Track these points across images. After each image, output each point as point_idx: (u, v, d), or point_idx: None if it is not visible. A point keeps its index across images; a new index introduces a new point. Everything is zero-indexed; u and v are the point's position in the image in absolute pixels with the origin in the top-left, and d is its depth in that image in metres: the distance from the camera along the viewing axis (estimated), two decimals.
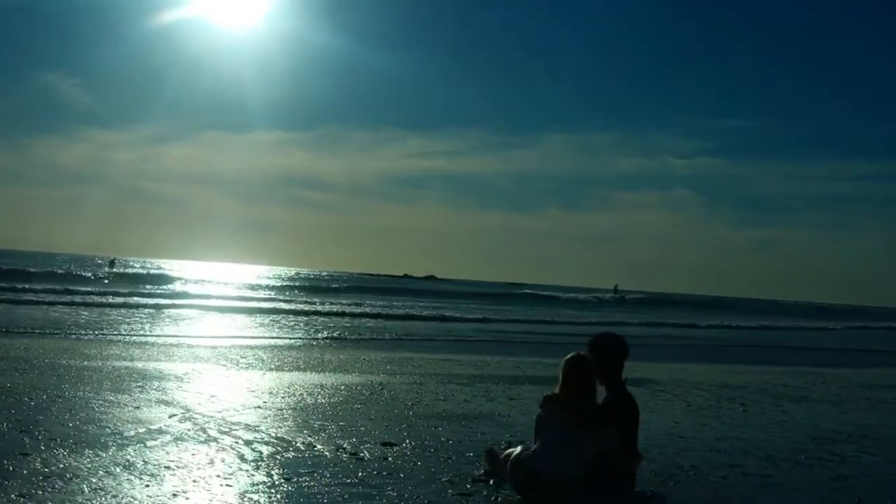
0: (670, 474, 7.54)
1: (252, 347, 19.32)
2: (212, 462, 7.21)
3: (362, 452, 7.91)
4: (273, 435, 8.54)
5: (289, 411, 10.11)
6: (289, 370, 14.53)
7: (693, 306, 75.81)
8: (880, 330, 54.00)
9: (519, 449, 6.77)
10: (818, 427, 10.84)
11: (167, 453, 7.47)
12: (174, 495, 6.11)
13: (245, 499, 6.12)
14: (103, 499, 5.95)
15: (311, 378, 13.52)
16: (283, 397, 11.23)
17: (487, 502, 6.42)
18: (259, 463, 7.26)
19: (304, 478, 6.80)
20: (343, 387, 12.65)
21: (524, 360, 19.60)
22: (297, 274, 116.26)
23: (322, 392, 11.91)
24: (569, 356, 6.72)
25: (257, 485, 6.52)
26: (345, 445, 8.18)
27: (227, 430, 8.69)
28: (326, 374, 14.28)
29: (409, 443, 8.50)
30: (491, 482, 6.91)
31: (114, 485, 6.31)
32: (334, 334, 25.36)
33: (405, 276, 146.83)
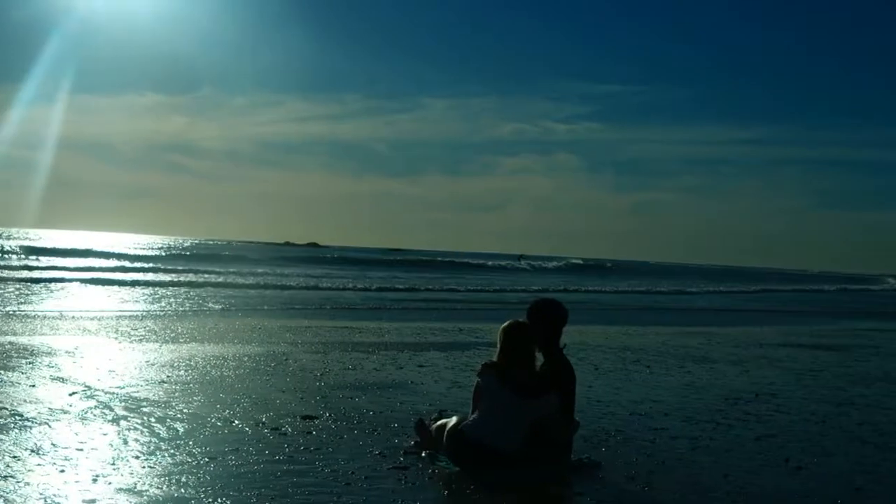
0: (600, 440, 7.48)
1: (140, 319, 18.60)
2: (126, 442, 6.81)
3: (283, 427, 7.60)
4: (185, 412, 8.14)
5: (196, 385, 9.69)
6: (185, 342, 13.99)
7: (579, 270, 77.01)
8: (755, 293, 55.68)
9: (454, 419, 6.56)
10: (726, 387, 10.97)
11: (76, 434, 7.02)
12: (94, 479, 5.70)
13: (171, 480, 5.76)
14: (16, 487, 5.51)
15: (211, 350, 13.05)
16: (186, 371, 10.77)
17: (425, 475, 6.20)
18: (177, 442, 6.88)
19: (228, 456, 6.46)
20: (246, 358, 12.23)
21: (422, 325, 19.41)
22: (175, 243, 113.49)
23: (226, 364, 11.49)
24: (507, 323, 6.52)
25: (181, 465, 6.16)
26: (263, 420, 7.85)
27: (134, 407, 8.24)
28: (225, 344, 13.81)
29: (329, 415, 8.23)
30: (423, 454, 6.71)
31: (24, 471, 5.87)
32: (223, 304, 24.71)
33: (286, 243, 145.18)
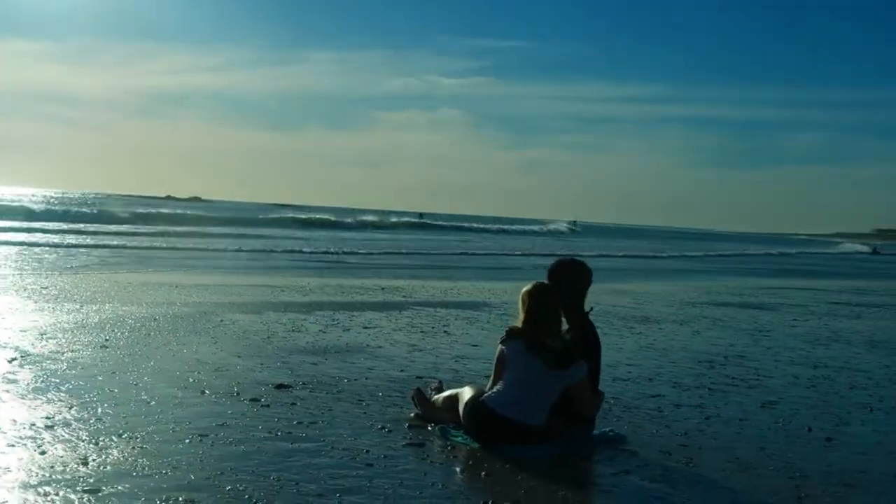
0: (602, 409, 7.02)
1: (45, 276, 17.41)
2: (99, 417, 6.08)
3: (262, 398, 6.96)
4: (146, 380, 7.43)
5: (141, 349, 8.93)
6: (104, 301, 13.02)
7: (466, 230, 76.62)
8: (647, 258, 56.36)
9: (468, 391, 6.05)
10: (689, 349, 10.75)
11: (33, 409, 6.23)
12: (83, 462, 4.98)
13: (170, 462, 5.10)
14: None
15: (137, 310, 12.17)
16: (123, 333, 9.96)
17: (445, 452, 5.67)
18: (157, 416, 6.20)
19: (219, 432, 5.84)
20: (178, 319, 11.44)
21: (342, 283, 18.76)
22: (54, 196, 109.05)
23: (161, 326, 10.70)
24: (531, 286, 6.00)
25: (173, 443, 5.51)
26: (236, 390, 7.18)
27: (88, 375, 7.49)
28: (148, 304, 12.92)
29: (302, 384, 7.61)
30: (430, 427, 6.17)
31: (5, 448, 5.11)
32: (121, 260, 23.51)
33: (168, 197, 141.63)
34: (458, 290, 18.24)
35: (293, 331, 10.94)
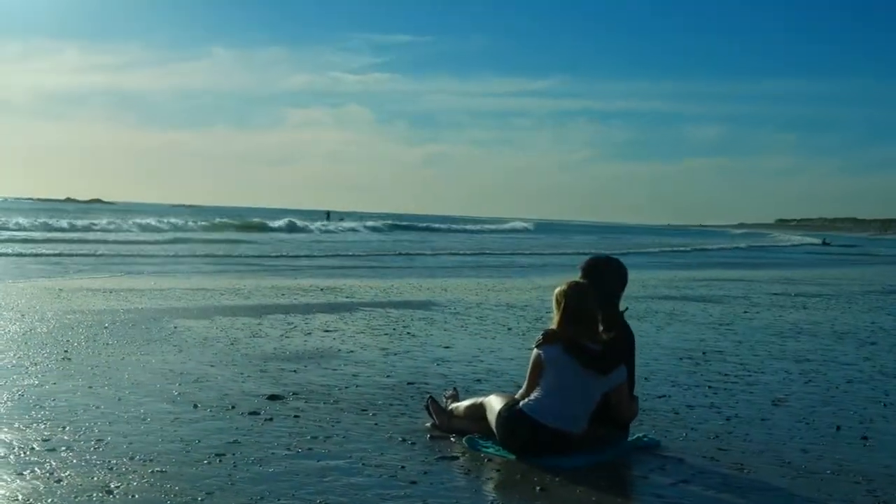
0: None
1: None
2: (90, 429, 5.55)
3: (261, 411, 6.50)
4: (128, 394, 6.90)
5: (109, 361, 8.36)
6: (44, 311, 12.33)
7: (402, 228, 75.72)
8: (550, 254, 56.66)
9: (496, 399, 5.71)
10: (664, 345, 10.60)
11: (23, 430, 5.68)
12: (106, 489, 4.49)
13: (195, 487, 4.64)
14: None
15: (84, 318, 11.53)
16: (82, 343, 9.34)
17: (484, 466, 5.32)
18: (162, 434, 5.72)
19: (237, 452, 5.41)
20: (130, 326, 10.89)
21: (277, 284, 18.24)
22: None
23: (116, 334, 10.16)
24: (566, 285, 5.66)
25: (193, 465, 5.04)
26: (230, 404, 6.70)
27: (67, 391, 6.90)
28: (92, 313, 12.27)
29: (292, 394, 7.20)
30: (452, 438, 5.82)
31: None
32: (41, 267, 22.53)
33: (68, 199, 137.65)
34: (396, 290, 17.88)
35: (254, 336, 10.45)
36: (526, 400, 5.49)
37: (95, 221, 51.36)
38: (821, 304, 16.89)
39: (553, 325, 5.63)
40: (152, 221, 53.92)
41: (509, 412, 5.46)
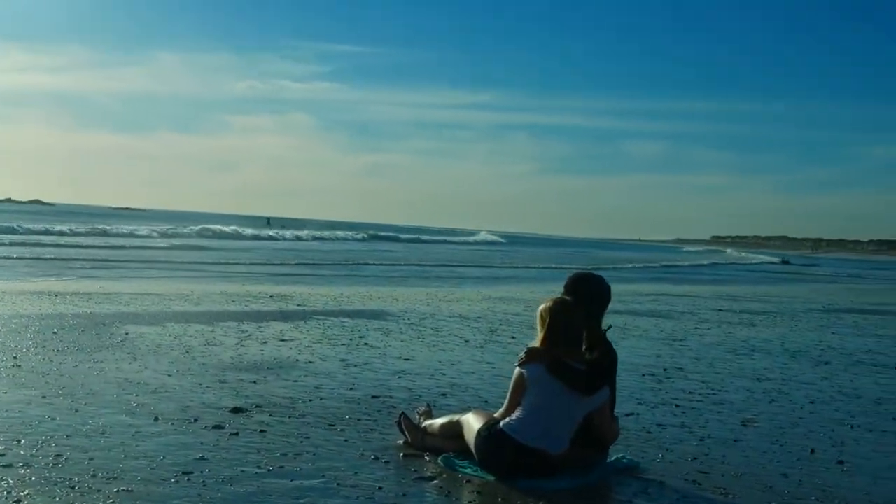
0: None
1: None
2: (59, 454, 5.29)
3: (225, 425, 6.29)
4: (85, 405, 6.65)
5: (61, 369, 8.07)
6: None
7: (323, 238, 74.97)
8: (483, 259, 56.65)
9: (474, 417, 5.57)
10: (621, 361, 10.29)
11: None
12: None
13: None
14: None
15: (29, 323, 11.18)
16: (31, 349, 9.03)
17: (464, 488, 5.17)
18: (127, 453, 5.44)
19: (203, 468, 5.20)
20: (80, 332, 10.58)
21: (225, 290, 17.96)
22: None
23: (65, 340, 9.86)
24: (550, 302, 5.52)
25: (159, 483, 4.79)
26: (192, 417, 6.47)
27: (20, 402, 6.62)
28: (38, 318, 11.92)
29: (255, 407, 6.99)
30: (426, 457, 5.67)
31: None
32: None
33: (8, 200, 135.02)
34: (347, 298, 17.68)
35: (209, 344, 10.19)
36: (507, 419, 5.35)
37: (36, 225, 50.23)
38: (768, 322, 17.03)
39: (536, 343, 5.49)
40: (98, 224, 52.87)
41: (489, 432, 5.32)
